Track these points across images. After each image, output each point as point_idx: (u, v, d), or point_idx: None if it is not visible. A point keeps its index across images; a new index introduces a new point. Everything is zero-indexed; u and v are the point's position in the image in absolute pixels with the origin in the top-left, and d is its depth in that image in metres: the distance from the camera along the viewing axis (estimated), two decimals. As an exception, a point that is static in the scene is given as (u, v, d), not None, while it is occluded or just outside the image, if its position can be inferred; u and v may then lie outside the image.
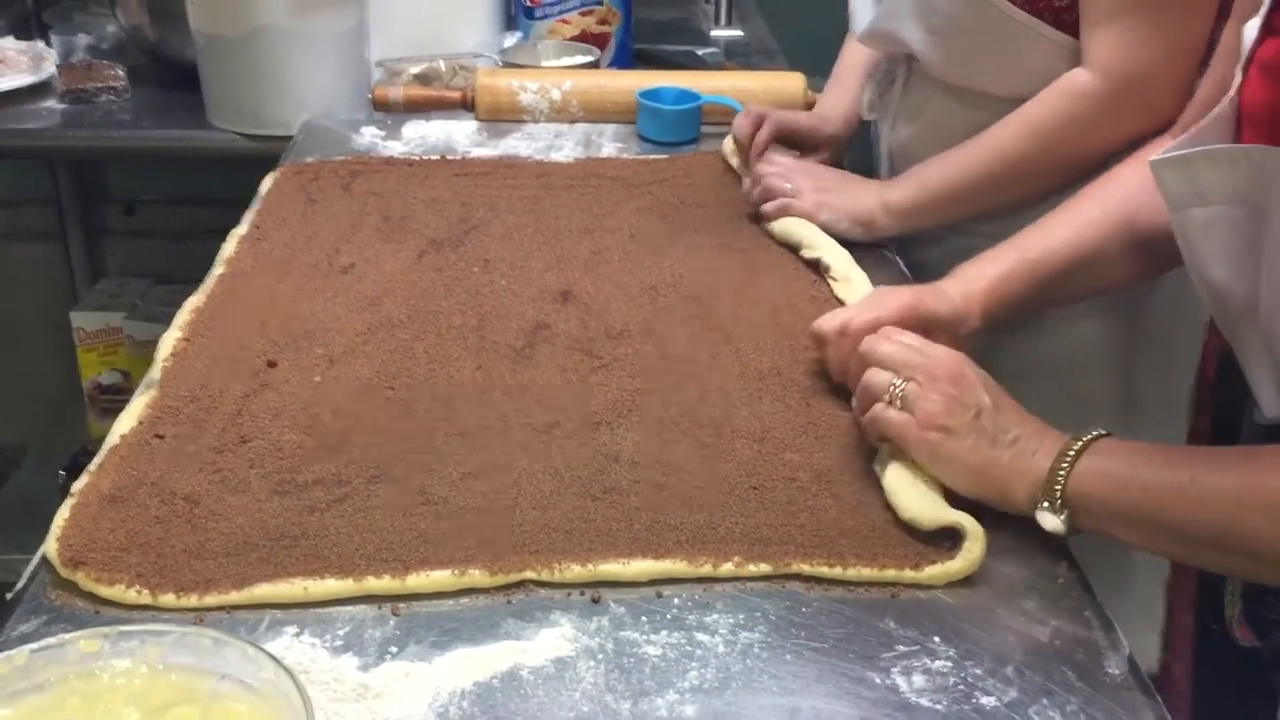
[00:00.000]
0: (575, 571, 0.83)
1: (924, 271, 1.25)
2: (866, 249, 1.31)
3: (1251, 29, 0.86)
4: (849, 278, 1.23)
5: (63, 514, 0.87)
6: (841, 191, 1.34)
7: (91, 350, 2.36)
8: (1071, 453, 0.84)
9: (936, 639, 0.78)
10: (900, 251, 1.35)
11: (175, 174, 2.41)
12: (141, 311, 2.35)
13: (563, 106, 1.72)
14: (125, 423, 0.99)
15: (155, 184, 2.45)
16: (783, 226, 1.34)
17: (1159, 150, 1.06)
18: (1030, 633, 0.79)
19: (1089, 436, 0.85)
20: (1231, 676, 1.29)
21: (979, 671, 0.75)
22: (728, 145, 1.56)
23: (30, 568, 0.85)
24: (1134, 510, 0.82)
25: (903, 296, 1.05)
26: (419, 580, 0.82)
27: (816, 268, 1.28)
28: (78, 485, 0.91)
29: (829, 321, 1.05)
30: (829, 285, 1.25)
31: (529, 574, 0.83)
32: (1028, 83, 1.22)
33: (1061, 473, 0.84)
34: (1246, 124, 0.85)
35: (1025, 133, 1.22)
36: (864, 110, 1.46)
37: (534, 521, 0.88)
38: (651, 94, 1.69)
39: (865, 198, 1.32)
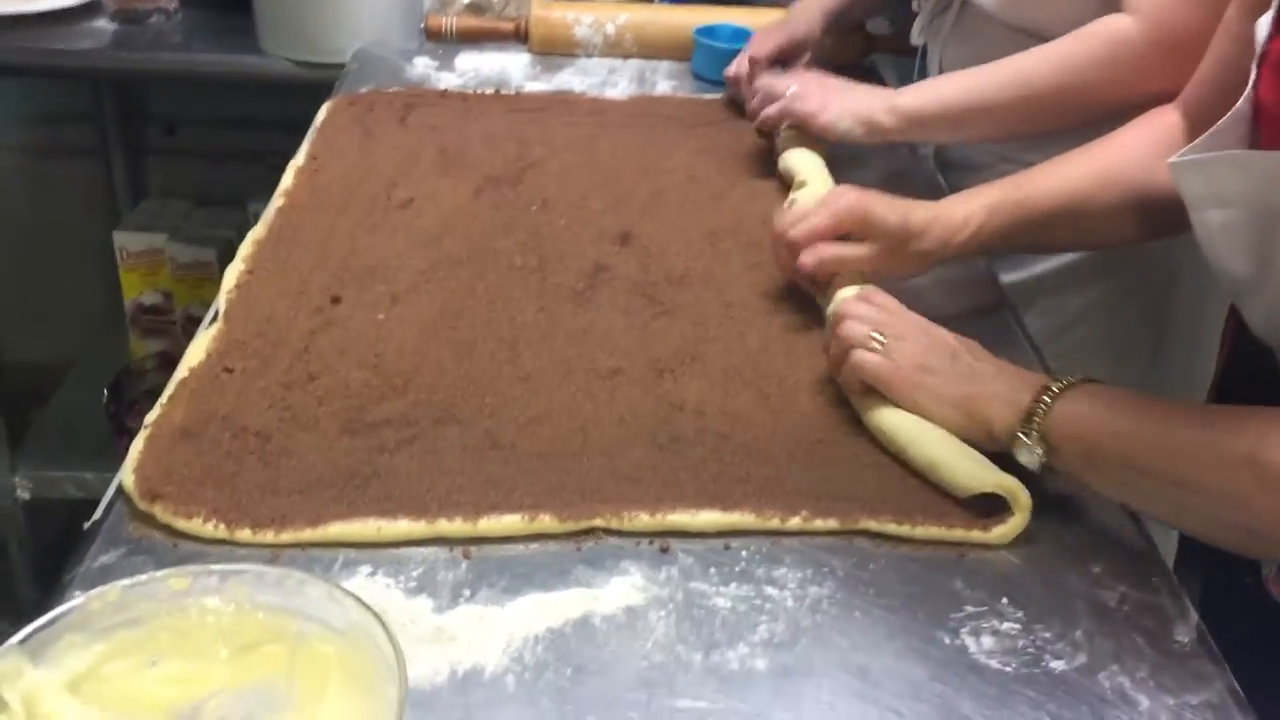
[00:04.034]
0: (644, 521, 0.84)
1: None
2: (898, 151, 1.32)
3: (1263, 26, 0.84)
4: (808, 182, 1.24)
5: (137, 445, 0.88)
6: (847, 92, 1.31)
7: (134, 270, 2.37)
8: (1054, 389, 0.85)
9: (1004, 600, 0.79)
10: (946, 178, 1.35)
11: (216, 96, 2.40)
12: (184, 234, 2.35)
13: (617, 41, 1.71)
14: (194, 355, 0.99)
15: (196, 105, 2.44)
16: (784, 163, 1.33)
17: (1161, 118, 1.06)
18: (1098, 597, 0.79)
19: (1073, 379, 0.86)
20: (1268, 636, 1.29)
21: (1048, 635, 0.76)
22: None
23: (107, 498, 0.86)
24: (1104, 455, 0.82)
25: (849, 196, 1.07)
26: (490, 524, 0.83)
27: None
28: (150, 417, 0.92)
29: (778, 221, 1.09)
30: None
31: (598, 521, 0.84)
32: (1081, 23, 1.21)
33: (1042, 407, 0.84)
34: (1265, 124, 0.84)
35: (1055, 67, 1.19)
36: (913, 35, 1.45)
37: (601, 469, 0.89)
38: (707, 31, 1.67)
39: (871, 99, 1.29)
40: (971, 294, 1.17)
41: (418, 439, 0.91)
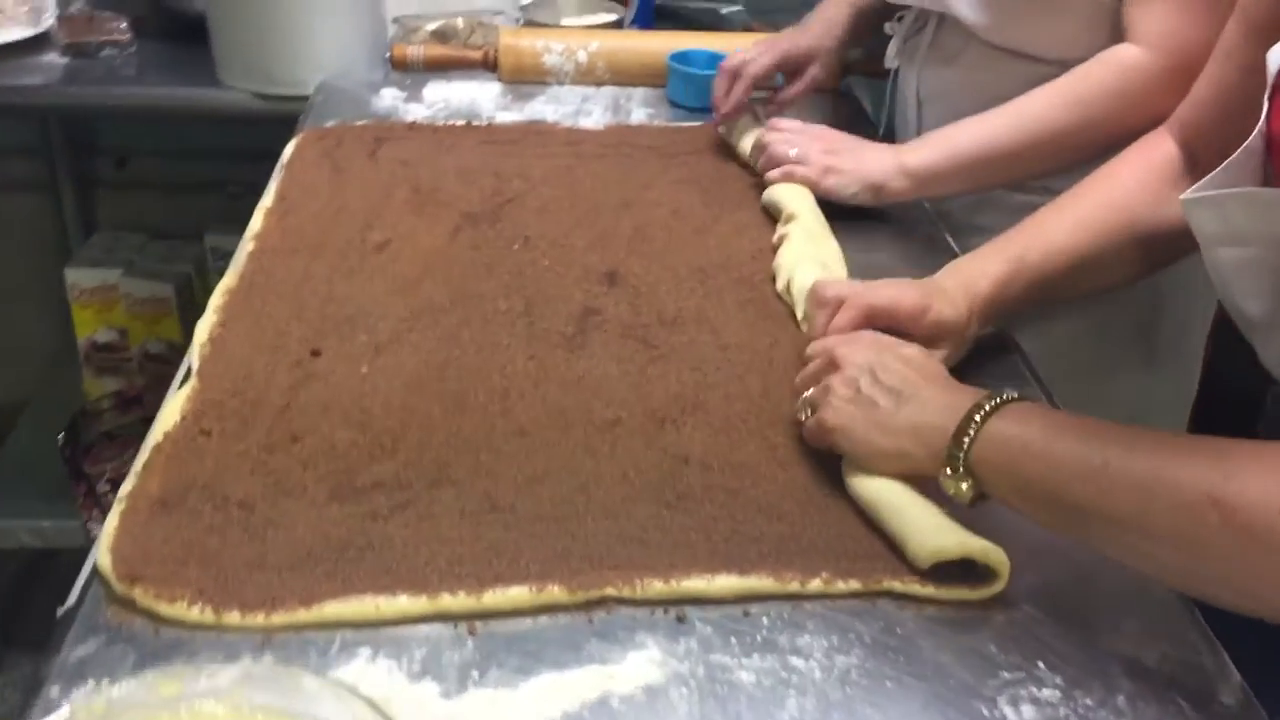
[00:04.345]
0: (658, 588, 0.79)
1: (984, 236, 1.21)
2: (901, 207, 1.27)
3: (1275, 56, 0.81)
4: (797, 215, 1.22)
5: (112, 521, 0.83)
6: (851, 154, 1.28)
7: (87, 307, 2.29)
8: (981, 414, 0.78)
9: (1041, 664, 0.75)
10: (949, 216, 1.31)
11: (169, 126, 2.33)
12: (139, 269, 2.28)
13: (589, 69, 1.66)
14: (168, 417, 0.94)
15: (148, 136, 2.37)
16: (769, 196, 1.29)
17: (1157, 146, 1.03)
18: (1136, 657, 0.76)
19: (1002, 398, 0.79)
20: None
21: (1089, 701, 0.72)
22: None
23: (81, 580, 0.81)
24: (1039, 485, 0.75)
25: (912, 297, 0.99)
26: (496, 598, 0.78)
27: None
28: (125, 489, 0.86)
29: (834, 288, 1.03)
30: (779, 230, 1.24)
31: (609, 590, 0.79)
32: (1071, 45, 1.19)
33: (968, 436, 0.78)
34: (1278, 159, 0.81)
35: (1068, 103, 1.17)
36: (888, 58, 1.42)
37: (608, 531, 0.84)
38: (681, 57, 1.64)
39: (878, 160, 1.25)
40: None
41: (411, 504, 0.86)
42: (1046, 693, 0.73)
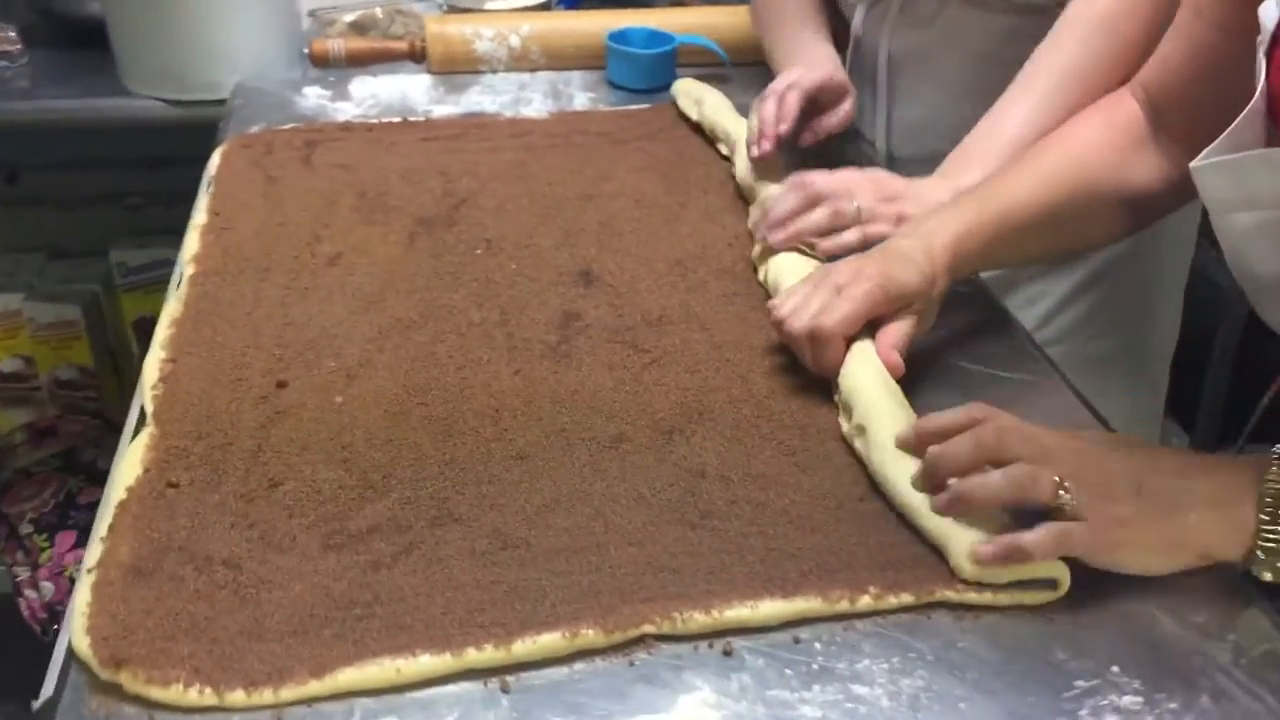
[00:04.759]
0: (699, 620, 0.73)
1: None
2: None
3: (1270, 9, 0.78)
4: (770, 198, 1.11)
5: (83, 596, 0.74)
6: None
7: (-12, 336, 2.15)
8: (1274, 486, 0.73)
9: (1114, 669, 0.71)
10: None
11: (64, 137, 2.19)
12: (41, 291, 2.14)
13: (523, 54, 1.58)
14: (127, 470, 0.85)
15: (40, 148, 2.21)
16: (743, 176, 1.23)
17: (1117, 108, 1.00)
18: (1208, 652, 0.72)
19: (1272, 454, 0.74)
20: None
21: (1174, 706, 0.68)
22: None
23: (57, 667, 0.72)
24: None
25: (868, 279, 0.92)
26: (526, 647, 0.71)
27: None
28: (92, 557, 0.77)
29: (794, 320, 0.93)
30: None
31: (648, 628, 0.73)
32: None
33: (1267, 516, 0.72)
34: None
35: (1063, 78, 1.08)
36: (855, 27, 1.35)
37: (634, 560, 0.78)
38: (619, 36, 1.56)
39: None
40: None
41: (415, 547, 0.79)
42: (1128, 700, 0.69)
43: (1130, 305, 1.30)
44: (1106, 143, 0.99)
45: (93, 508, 1.82)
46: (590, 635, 0.72)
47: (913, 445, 0.81)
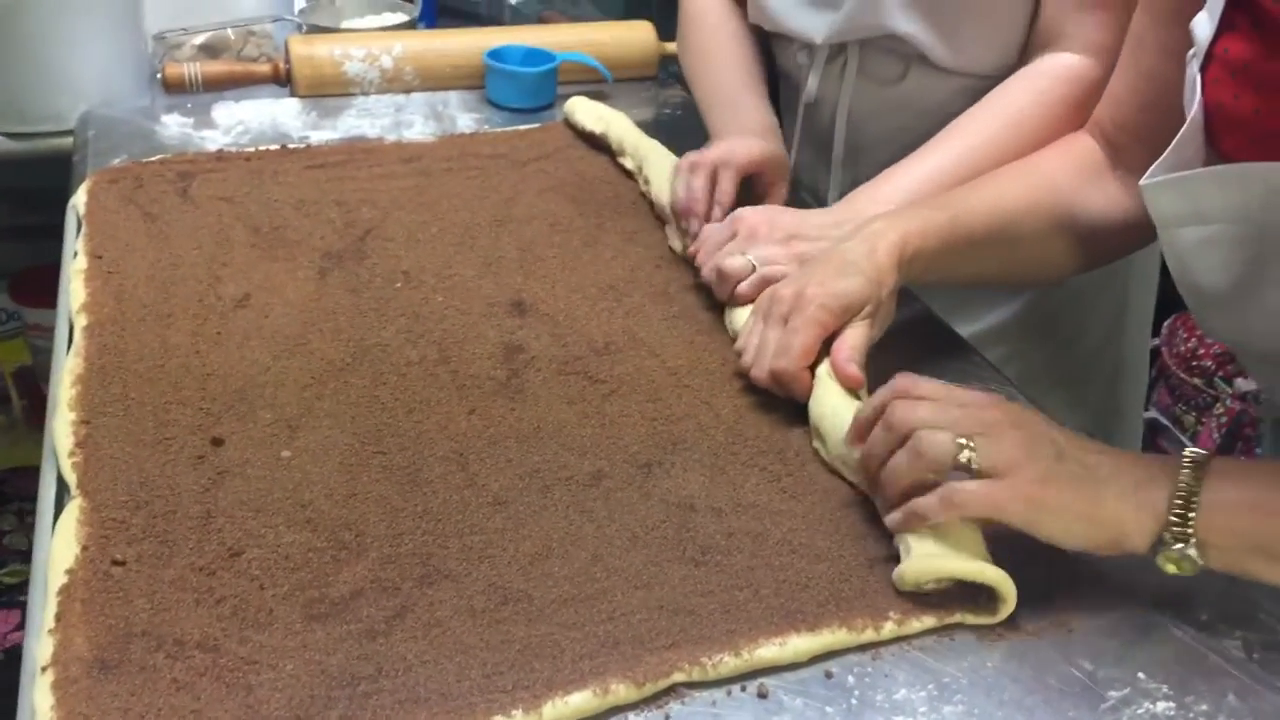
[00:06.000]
0: (730, 664, 0.70)
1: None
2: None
3: (1202, 24, 0.81)
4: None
5: (43, 700, 0.65)
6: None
7: None
8: (1187, 479, 0.73)
9: (1141, 675, 0.71)
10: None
11: None
12: None
13: (395, 75, 1.52)
14: (61, 552, 0.76)
15: None
16: (659, 201, 1.20)
17: (1075, 142, 1.02)
18: (1225, 649, 0.74)
19: (1195, 457, 0.74)
20: None
21: (1204, 708, 0.69)
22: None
23: (24, 785, 0.63)
24: (1276, 539, 0.72)
25: (810, 301, 0.91)
26: (558, 710, 0.67)
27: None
28: (44, 653, 0.68)
29: (756, 370, 0.94)
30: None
31: (678, 676, 0.70)
32: (1003, 52, 1.13)
33: (1193, 503, 0.72)
34: (1222, 127, 0.80)
35: (1003, 124, 1.09)
36: (808, 93, 1.27)
37: (645, 604, 0.74)
38: (497, 55, 1.52)
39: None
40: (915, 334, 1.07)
41: (409, 610, 0.73)
42: (1161, 706, 0.69)
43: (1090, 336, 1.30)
44: (1066, 167, 1.00)
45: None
46: (622, 691, 0.68)
47: (855, 446, 0.83)
